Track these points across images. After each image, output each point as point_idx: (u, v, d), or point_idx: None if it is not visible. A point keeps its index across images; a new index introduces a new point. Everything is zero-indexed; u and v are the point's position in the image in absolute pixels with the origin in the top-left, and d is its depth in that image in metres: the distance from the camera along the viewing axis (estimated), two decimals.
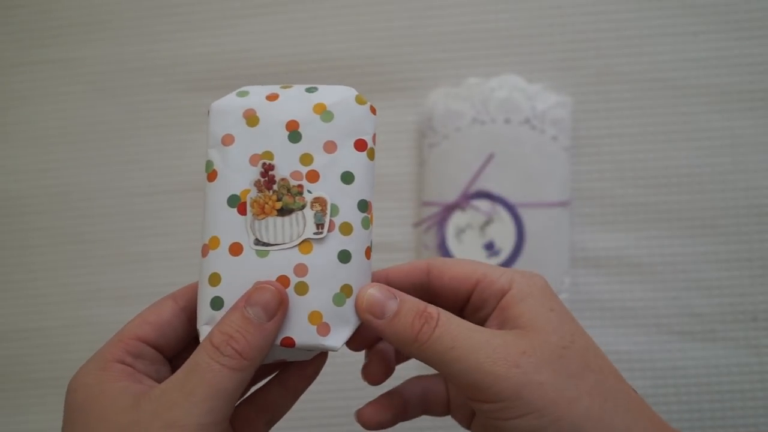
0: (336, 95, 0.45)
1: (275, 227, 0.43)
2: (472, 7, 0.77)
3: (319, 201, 0.43)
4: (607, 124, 0.76)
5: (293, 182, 0.43)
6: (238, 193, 0.43)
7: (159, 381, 0.43)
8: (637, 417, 0.41)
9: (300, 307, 0.42)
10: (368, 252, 0.44)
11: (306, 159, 0.43)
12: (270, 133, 0.44)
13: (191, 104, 0.79)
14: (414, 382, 0.50)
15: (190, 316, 0.45)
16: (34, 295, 0.79)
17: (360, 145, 0.44)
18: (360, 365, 0.50)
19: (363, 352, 0.50)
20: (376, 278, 0.45)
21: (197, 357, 0.40)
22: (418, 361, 0.44)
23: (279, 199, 0.43)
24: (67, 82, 0.80)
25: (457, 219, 0.74)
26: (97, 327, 0.78)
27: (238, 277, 0.42)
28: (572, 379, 0.40)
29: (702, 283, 0.75)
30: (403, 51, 0.78)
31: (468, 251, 0.73)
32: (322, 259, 0.42)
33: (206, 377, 0.39)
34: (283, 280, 0.42)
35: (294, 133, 0.44)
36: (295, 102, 0.44)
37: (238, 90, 0.45)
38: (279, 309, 0.41)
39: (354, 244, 0.43)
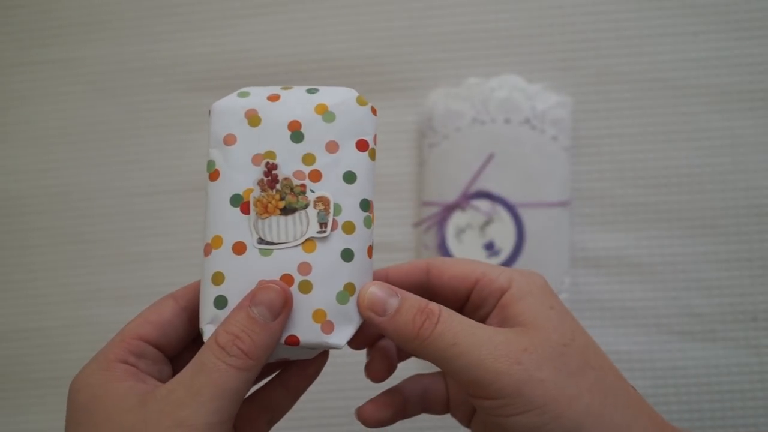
0: (337, 96, 0.45)
1: (278, 226, 0.43)
2: (472, 7, 0.77)
3: (322, 200, 0.43)
4: (607, 124, 0.76)
5: (296, 181, 0.43)
6: (240, 193, 0.43)
7: (162, 381, 0.43)
8: (636, 414, 0.41)
9: (304, 306, 0.42)
10: (370, 251, 0.44)
11: (308, 159, 0.44)
12: (272, 133, 0.44)
13: (191, 104, 0.79)
14: (414, 380, 0.50)
15: (190, 315, 0.45)
16: (34, 295, 0.79)
17: (361, 145, 0.45)
18: (360, 365, 0.50)
19: (364, 352, 0.50)
20: (376, 277, 0.45)
21: (203, 357, 0.40)
22: (418, 359, 0.45)
23: (282, 199, 0.43)
24: (67, 82, 0.80)
25: (457, 219, 0.74)
26: (97, 327, 0.78)
27: (242, 276, 0.42)
28: (573, 377, 0.40)
29: (702, 283, 0.75)
30: (403, 51, 0.78)
31: (468, 251, 0.73)
32: (325, 257, 0.42)
33: (213, 377, 0.39)
34: (287, 279, 0.42)
35: (296, 133, 0.44)
36: (297, 103, 0.45)
37: (238, 91, 0.46)
38: (284, 308, 0.41)
39: (357, 242, 0.43)
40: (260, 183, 0.43)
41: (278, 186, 0.43)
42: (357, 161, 0.44)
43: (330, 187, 0.43)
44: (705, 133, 0.75)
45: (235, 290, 0.42)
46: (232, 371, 0.39)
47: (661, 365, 0.74)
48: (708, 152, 0.75)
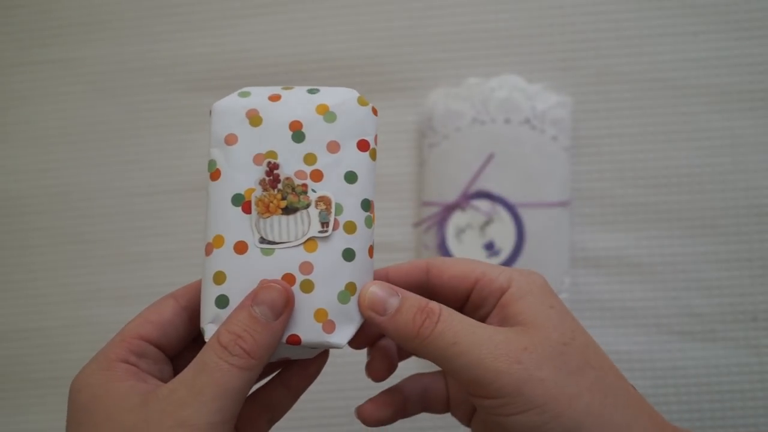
0: (338, 97, 0.45)
1: (280, 226, 0.43)
2: (472, 7, 0.77)
3: (324, 200, 0.43)
4: (607, 124, 0.76)
5: (298, 181, 0.43)
6: (242, 192, 0.43)
7: (163, 380, 0.43)
8: (636, 413, 0.41)
9: (305, 305, 0.42)
10: (371, 250, 0.44)
11: (310, 159, 0.44)
12: (273, 133, 0.44)
13: (191, 104, 0.79)
14: (414, 379, 0.50)
15: (191, 315, 0.45)
16: (34, 295, 0.79)
17: (363, 145, 0.45)
18: (360, 365, 0.50)
19: (364, 351, 0.50)
20: (376, 277, 0.45)
21: (205, 356, 0.40)
22: (418, 359, 0.44)
23: (284, 198, 0.43)
24: (67, 82, 0.80)
25: (457, 219, 0.74)
26: (97, 327, 0.78)
27: (243, 275, 0.42)
28: (573, 376, 0.40)
29: (702, 283, 0.75)
30: (403, 51, 0.78)
31: (468, 251, 0.73)
32: (327, 257, 0.43)
33: (215, 377, 0.39)
34: (289, 278, 0.42)
35: (297, 133, 0.44)
36: (298, 103, 0.45)
37: (239, 90, 0.46)
38: (286, 307, 0.41)
39: (358, 242, 0.43)
40: (262, 182, 0.43)
41: (280, 185, 0.43)
42: (358, 161, 0.44)
43: (331, 187, 0.43)
44: (705, 133, 0.75)
45: (237, 289, 0.42)
46: (235, 371, 0.39)
47: (661, 365, 0.74)
48: (708, 152, 0.75)
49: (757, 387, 0.74)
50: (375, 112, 0.46)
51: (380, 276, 0.46)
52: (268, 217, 0.43)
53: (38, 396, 0.78)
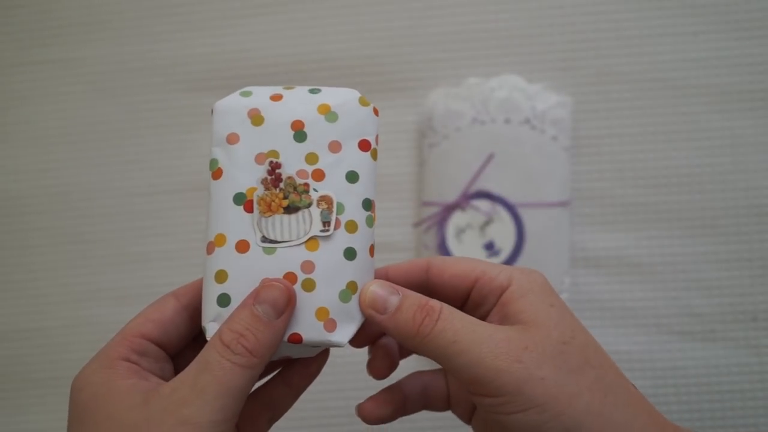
0: (340, 97, 0.46)
1: (282, 225, 0.43)
2: (472, 7, 0.77)
3: (326, 199, 0.43)
4: (607, 124, 0.76)
5: (299, 180, 0.43)
6: (244, 191, 0.43)
7: (164, 379, 0.43)
8: (636, 412, 0.41)
9: (307, 304, 0.42)
10: (372, 249, 0.44)
11: (311, 158, 0.44)
12: (275, 133, 0.44)
13: (191, 104, 0.79)
14: (414, 377, 0.50)
15: (192, 313, 0.45)
16: (34, 295, 0.79)
17: (364, 145, 0.45)
18: (360, 365, 0.50)
19: (363, 351, 0.50)
20: (376, 276, 0.45)
21: (207, 355, 0.40)
22: (419, 356, 0.44)
23: (285, 197, 0.43)
24: (67, 82, 0.80)
25: (457, 219, 0.74)
26: (97, 327, 0.78)
27: (245, 274, 0.42)
28: (573, 375, 0.40)
29: (702, 283, 0.75)
30: (403, 51, 0.78)
31: (468, 251, 0.73)
32: (328, 256, 0.43)
33: (217, 375, 0.39)
34: (290, 277, 0.42)
35: (299, 133, 0.44)
36: (300, 103, 0.45)
37: (241, 90, 0.46)
38: (287, 306, 0.41)
39: (359, 241, 0.43)
40: (264, 181, 0.43)
41: (282, 185, 0.43)
42: (359, 161, 0.44)
43: (333, 187, 0.44)
44: (705, 133, 0.75)
45: (239, 288, 0.42)
46: (237, 369, 0.40)
47: (661, 365, 0.74)
48: (708, 152, 0.75)
49: (757, 387, 0.74)
50: (376, 112, 0.46)
51: (380, 275, 0.46)
52: (270, 216, 0.43)
53: (38, 396, 0.78)
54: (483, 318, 0.45)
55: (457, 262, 0.46)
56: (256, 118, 0.44)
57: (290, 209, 0.43)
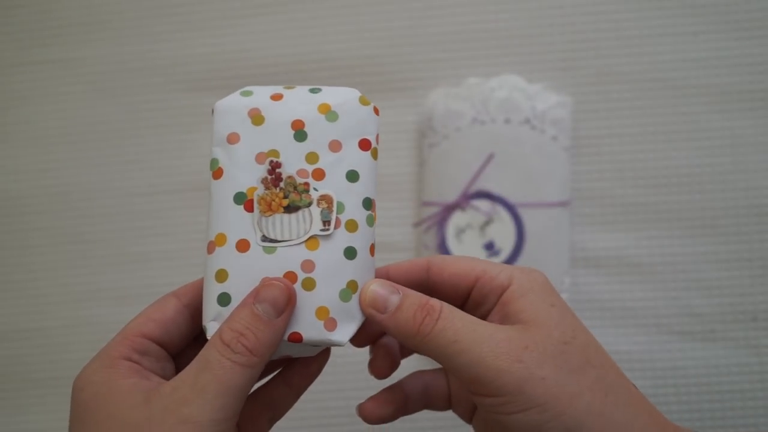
0: (340, 96, 0.46)
1: (282, 224, 0.43)
2: (472, 7, 0.77)
3: (326, 198, 0.43)
4: (607, 124, 0.76)
5: (299, 180, 0.43)
6: (244, 191, 0.43)
7: (165, 378, 0.43)
8: (637, 412, 0.41)
9: (307, 303, 0.42)
10: (372, 249, 0.44)
11: (312, 157, 0.44)
12: (276, 132, 0.44)
13: (191, 104, 0.79)
14: (415, 376, 0.50)
15: (193, 313, 0.45)
16: (34, 295, 0.79)
17: (364, 144, 0.45)
18: (360, 365, 0.50)
19: (363, 351, 0.50)
20: (377, 276, 0.45)
21: (208, 354, 0.40)
22: (421, 356, 0.44)
23: (286, 197, 0.43)
24: (67, 82, 0.80)
25: (457, 219, 0.74)
26: (97, 327, 0.78)
27: (245, 273, 0.42)
28: (573, 375, 0.40)
29: (702, 283, 0.75)
30: (403, 51, 0.78)
31: (468, 251, 0.73)
32: (328, 255, 0.43)
33: (217, 374, 0.39)
34: (290, 276, 0.42)
35: (300, 132, 0.44)
36: (300, 102, 0.45)
37: (241, 90, 0.46)
38: (288, 305, 0.41)
39: (359, 240, 0.43)
40: (264, 181, 0.43)
41: (282, 184, 0.43)
42: (360, 160, 0.44)
43: (333, 186, 0.44)
44: (705, 133, 0.75)
45: (239, 287, 0.42)
46: (237, 368, 0.40)
47: (661, 365, 0.74)
48: (708, 152, 0.75)
49: (757, 387, 0.74)
50: (376, 111, 0.46)
51: (381, 274, 0.46)
52: (270, 215, 0.43)
53: (38, 396, 0.78)
54: (483, 317, 0.45)
55: (458, 261, 0.46)
56: (256, 117, 0.44)
57: (290, 208, 0.43)
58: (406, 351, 0.50)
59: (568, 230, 0.74)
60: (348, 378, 0.73)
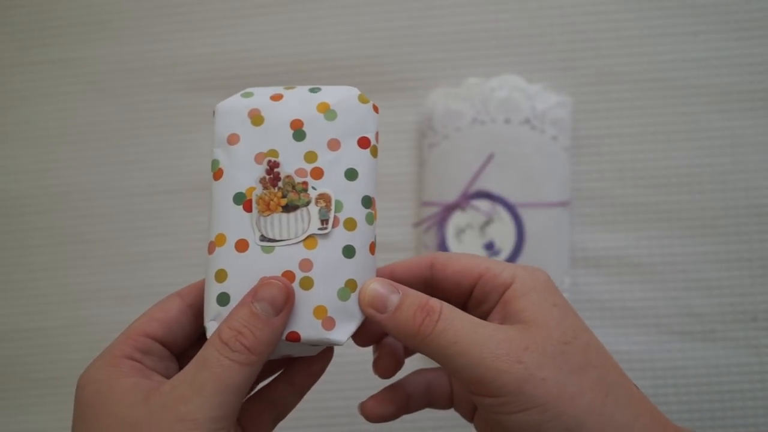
0: (339, 95, 0.46)
1: (280, 223, 0.43)
2: (472, 7, 0.77)
3: (324, 197, 0.43)
4: (607, 124, 0.76)
5: (298, 179, 0.43)
6: (243, 191, 0.43)
7: (168, 377, 0.43)
8: (638, 412, 0.41)
9: (305, 302, 0.42)
10: (372, 247, 0.44)
11: (310, 156, 0.44)
12: (275, 132, 0.44)
13: (191, 104, 0.79)
14: (417, 375, 0.50)
15: (196, 313, 0.45)
16: (34, 295, 0.79)
17: (363, 142, 0.45)
18: (360, 365, 0.50)
19: (363, 351, 0.50)
20: (381, 274, 0.46)
21: (206, 352, 0.40)
22: (424, 355, 0.44)
23: (284, 196, 0.43)
24: (67, 82, 0.80)
25: (457, 219, 0.74)
26: (97, 327, 0.78)
27: (244, 273, 0.42)
28: (574, 375, 0.40)
29: (702, 283, 0.75)
30: (403, 51, 0.78)
31: (468, 251, 0.73)
32: (326, 254, 0.43)
33: (216, 372, 0.39)
34: (289, 276, 0.42)
35: (298, 132, 0.44)
36: (299, 102, 0.45)
37: (242, 91, 0.46)
38: (286, 304, 0.41)
39: (358, 239, 0.43)
40: (262, 181, 0.43)
41: (280, 184, 0.43)
42: (359, 158, 0.44)
43: (332, 185, 0.44)
44: (705, 133, 0.75)
45: (238, 287, 0.42)
46: (235, 366, 0.40)
47: (661, 365, 0.74)
48: (708, 152, 0.75)
49: (757, 387, 0.74)
50: (376, 109, 0.46)
51: (385, 272, 0.46)
52: (269, 215, 0.43)
53: (38, 396, 0.78)
54: (485, 315, 0.45)
55: (461, 258, 0.46)
56: (256, 118, 0.45)
57: (289, 208, 0.43)
58: (409, 350, 0.50)
59: (568, 230, 0.74)
60: (348, 378, 0.73)
